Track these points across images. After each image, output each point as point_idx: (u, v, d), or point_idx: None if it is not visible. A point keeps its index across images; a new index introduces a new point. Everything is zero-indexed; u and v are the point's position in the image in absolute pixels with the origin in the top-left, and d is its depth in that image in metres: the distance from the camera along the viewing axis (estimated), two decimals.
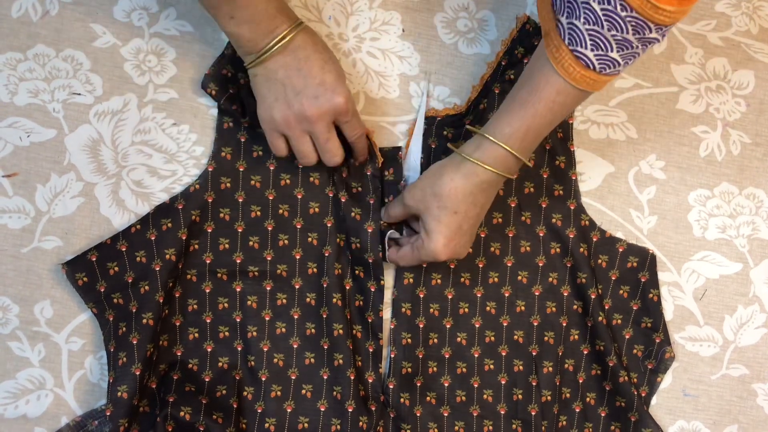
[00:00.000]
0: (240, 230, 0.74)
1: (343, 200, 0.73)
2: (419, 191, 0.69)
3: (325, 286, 0.73)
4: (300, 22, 0.67)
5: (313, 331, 0.74)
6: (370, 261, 0.74)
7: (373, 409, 0.73)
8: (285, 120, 0.67)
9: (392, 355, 0.74)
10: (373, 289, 0.74)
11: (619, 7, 0.57)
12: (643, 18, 0.57)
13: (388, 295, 0.75)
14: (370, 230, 0.74)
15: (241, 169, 0.74)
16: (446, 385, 0.75)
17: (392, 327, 0.75)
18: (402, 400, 0.74)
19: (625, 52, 0.60)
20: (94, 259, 0.71)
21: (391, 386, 0.74)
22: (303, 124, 0.67)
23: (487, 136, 0.66)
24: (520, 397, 0.76)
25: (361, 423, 0.72)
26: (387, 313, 0.75)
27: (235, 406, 0.72)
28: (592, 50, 0.60)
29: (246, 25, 0.64)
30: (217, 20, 0.65)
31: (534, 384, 0.76)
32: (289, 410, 0.73)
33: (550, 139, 0.77)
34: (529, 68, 0.65)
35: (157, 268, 0.70)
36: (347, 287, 0.74)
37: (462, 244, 0.69)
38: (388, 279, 0.75)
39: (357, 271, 0.74)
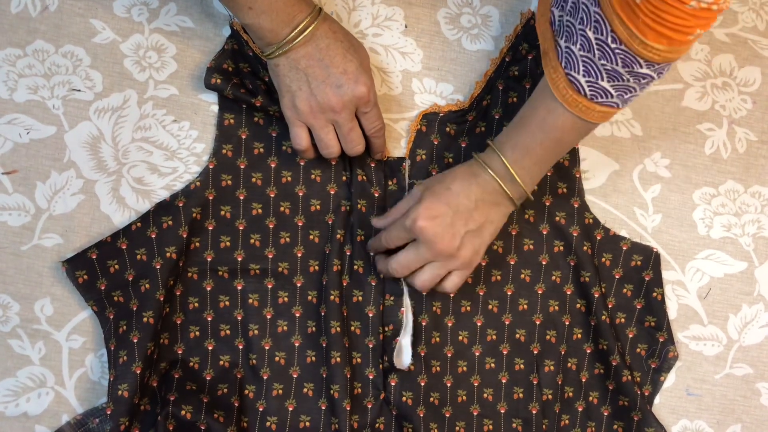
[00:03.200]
0: (241, 228, 0.73)
1: (353, 190, 0.74)
2: (427, 180, 0.70)
3: (324, 283, 0.73)
4: (319, 9, 0.66)
5: (314, 329, 0.74)
6: (371, 254, 0.73)
7: (369, 407, 0.73)
8: (309, 109, 0.67)
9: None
10: (373, 284, 0.73)
11: (610, 39, 0.57)
12: (631, 53, 0.57)
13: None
14: (373, 222, 0.74)
15: (242, 167, 0.73)
16: (449, 385, 0.75)
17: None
18: (404, 398, 0.73)
19: (617, 83, 0.60)
20: (94, 257, 0.70)
21: (393, 383, 0.73)
22: (327, 114, 0.67)
23: (489, 143, 0.68)
24: (520, 395, 0.76)
25: (353, 422, 0.72)
26: (407, 299, 0.74)
27: (236, 404, 0.71)
28: (584, 76, 0.61)
29: (265, 15, 0.64)
30: (235, 12, 0.65)
31: (535, 383, 0.76)
32: (290, 409, 0.73)
33: None
34: (535, 89, 0.66)
35: (158, 266, 0.70)
36: (344, 283, 0.73)
37: (445, 226, 0.66)
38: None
39: (356, 267, 0.74)
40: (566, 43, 0.61)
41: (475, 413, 0.75)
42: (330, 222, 0.74)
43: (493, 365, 0.76)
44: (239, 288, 0.73)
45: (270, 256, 0.74)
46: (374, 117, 0.70)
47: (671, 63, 0.59)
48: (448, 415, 0.75)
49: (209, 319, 0.73)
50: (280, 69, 0.67)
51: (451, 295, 0.73)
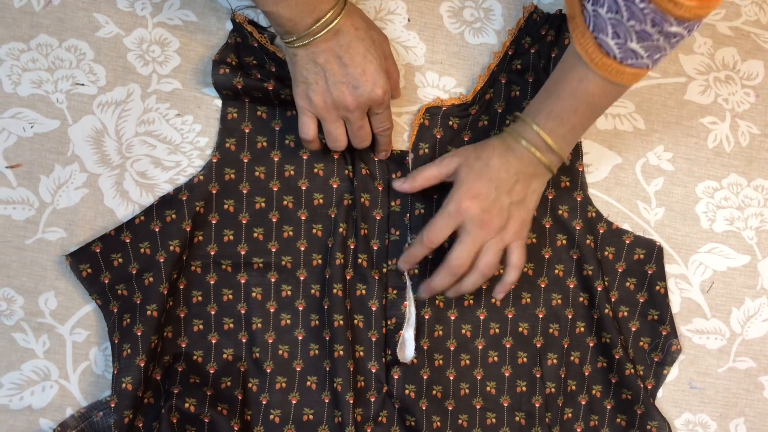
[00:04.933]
0: (244, 222, 0.73)
1: (356, 184, 0.73)
2: (462, 150, 0.70)
3: (327, 276, 0.73)
4: (344, 1, 0.65)
5: (317, 322, 0.74)
6: (375, 248, 0.74)
7: (372, 400, 0.73)
8: (323, 104, 0.67)
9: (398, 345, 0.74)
10: (376, 278, 0.73)
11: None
12: (660, 11, 0.56)
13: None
14: (378, 218, 0.74)
15: (245, 161, 0.73)
16: (451, 378, 0.75)
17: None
18: (407, 392, 0.74)
19: (646, 44, 0.59)
20: (98, 251, 0.70)
21: (396, 377, 0.73)
22: (340, 111, 0.67)
23: (518, 115, 0.68)
24: (523, 389, 0.76)
25: (356, 415, 0.72)
26: (410, 292, 0.75)
27: (240, 397, 0.72)
28: (613, 38, 0.60)
29: (285, 4, 0.62)
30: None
31: (538, 376, 0.76)
32: (293, 402, 0.73)
33: None
34: (564, 55, 0.66)
35: (162, 260, 0.70)
36: (348, 277, 0.73)
37: (490, 202, 0.66)
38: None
39: (360, 260, 0.74)
40: (593, 6, 0.60)
41: (478, 406, 0.75)
42: (333, 216, 0.74)
43: (496, 358, 0.76)
44: (242, 281, 0.73)
45: (273, 250, 0.74)
46: (385, 118, 0.70)
47: (702, 19, 0.58)
48: (450, 408, 0.75)
49: (213, 312, 0.73)
50: (298, 59, 0.66)
51: (519, 270, 0.70)
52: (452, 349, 0.75)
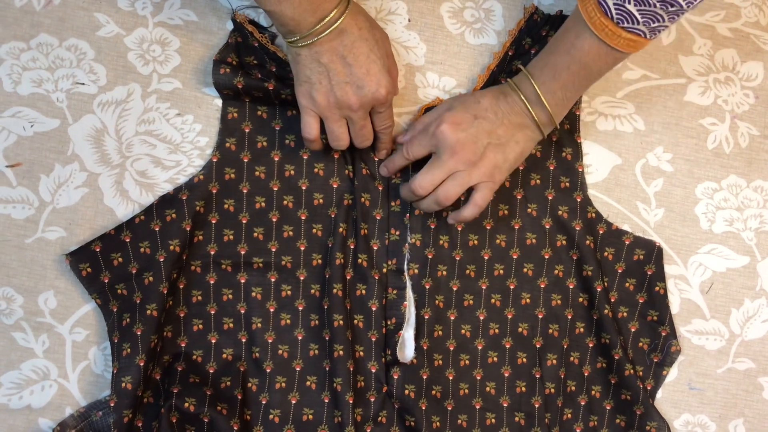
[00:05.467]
0: (244, 221, 0.73)
1: (356, 183, 0.74)
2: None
3: (327, 276, 0.73)
4: (347, 1, 0.65)
5: (317, 322, 0.74)
6: (375, 248, 0.74)
7: (372, 400, 0.73)
8: (326, 103, 0.67)
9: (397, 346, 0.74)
10: (376, 278, 0.73)
11: None
12: None
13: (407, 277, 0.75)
14: (378, 218, 0.74)
15: (245, 160, 0.73)
16: (451, 378, 0.75)
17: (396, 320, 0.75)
18: (407, 392, 0.74)
19: (643, 8, 0.59)
20: (97, 250, 0.70)
21: (396, 377, 0.73)
22: (343, 110, 0.67)
23: (520, 66, 0.69)
24: (523, 389, 0.76)
25: (356, 415, 0.72)
26: (410, 292, 0.75)
27: (239, 397, 0.72)
28: None
29: (287, 3, 0.62)
30: None
31: (537, 376, 0.76)
32: (293, 402, 0.73)
33: (557, 131, 0.76)
34: (571, 14, 0.66)
35: (161, 259, 0.70)
36: (348, 277, 0.73)
37: (467, 133, 0.67)
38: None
39: (360, 260, 0.74)
40: None
41: (477, 407, 0.75)
42: (333, 215, 0.74)
43: (495, 359, 0.76)
44: (242, 281, 0.73)
45: (273, 250, 0.74)
46: (387, 116, 0.70)
47: None
48: (450, 409, 0.75)
49: (212, 312, 0.73)
50: (301, 58, 0.65)
51: (480, 209, 0.70)
52: (452, 349, 0.75)
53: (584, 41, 0.64)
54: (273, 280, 0.74)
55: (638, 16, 0.60)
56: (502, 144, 0.68)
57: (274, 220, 0.74)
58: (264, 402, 0.73)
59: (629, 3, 0.60)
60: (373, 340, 0.73)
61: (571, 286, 0.77)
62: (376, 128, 0.71)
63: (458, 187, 0.68)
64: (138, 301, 0.70)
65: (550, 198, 0.76)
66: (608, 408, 0.77)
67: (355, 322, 0.74)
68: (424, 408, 0.74)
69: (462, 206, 0.70)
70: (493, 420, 0.75)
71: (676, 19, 0.61)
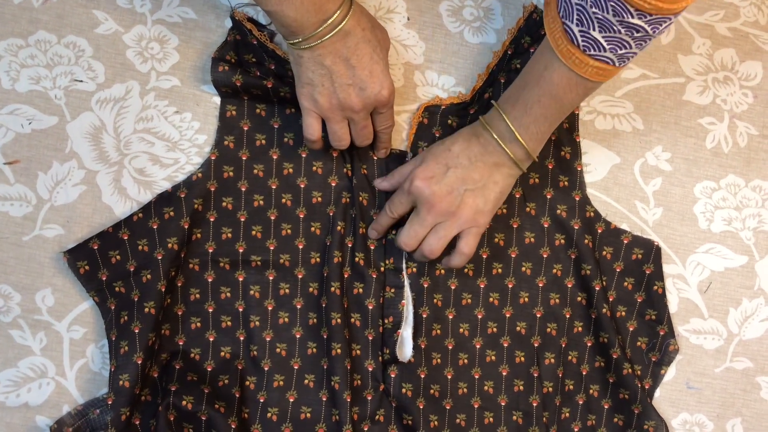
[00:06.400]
0: (242, 219, 0.73)
1: (355, 182, 0.74)
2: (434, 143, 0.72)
3: (325, 275, 0.73)
4: (350, 1, 0.64)
5: (315, 320, 0.74)
6: (372, 247, 0.74)
7: (369, 398, 0.73)
8: (329, 105, 0.66)
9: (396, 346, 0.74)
10: (374, 276, 0.73)
11: None
12: (621, 1, 0.55)
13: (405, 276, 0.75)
14: (375, 217, 0.74)
15: (243, 158, 0.73)
16: (449, 377, 0.75)
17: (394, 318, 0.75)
18: (404, 390, 0.74)
19: (608, 35, 0.58)
20: (95, 248, 0.70)
21: (393, 375, 0.73)
22: (345, 112, 0.67)
23: (493, 103, 0.68)
24: (521, 388, 0.76)
25: (353, 413, 0.72)
26: (408, 290, 0.75)
27: (237, 395, 0.71)
28: (577, 25, 0.59)
29: (289, 3, 0.61)
30: None
31: (535, 375, 0.76)
32: (291, 400, 0.73)
33: (556, 130, 0.76)
34: (541, 44, 0.66)
35: (159, 257, 0.70)
36: (345, 275, 0.73)
37: (441, 185, 0.67)
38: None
39: (357, 259, 0.74)
40: None
41: (475, 406, 0.75)
42: (331, 214, 0.74)
43: (493, 358, 0.76)
44: (240, 279, 0.73)
45: (271, 248, 0.74)
46: (388, 117, 0.70)
47: (668, 18, 0.57)
48: (448, 407, 0.75)
49: (210, 310, 0.73)
50: (303, 60, 0.65)
51: (467, 257, 0.71)
52: (450, 348, 0.75)
53: (553, 72, 0.63)
54: (271, 278, 0.74)
55: (604, 43, 0.59)
56: (480, 188, 0.68)
57: (273, 218, 0.74)
58: (262, 400, 0.73)
59: (594, 30, 0.59)
60: (370, 338, 0.73)
61: (569, 285, 0.77)
62: (376, 128, 0.71)
63: (441, 240, 0.68)
64: (136, 299, 0.70)
65: (548, 197, 0.76)
66: (606, 407, 0.77)
67: (353, 320, 0.73)
68: (421, 407, 0.74)
69: (451, 253, 0.70)
70: (491, 419, 0.75)
71: (643, 45, 0.60)
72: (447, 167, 0.67)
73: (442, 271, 0.75)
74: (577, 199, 0.77)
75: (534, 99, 0.65)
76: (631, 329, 0.77)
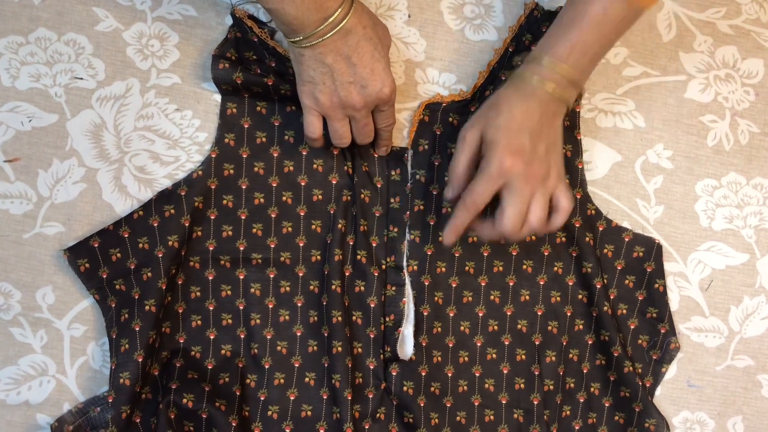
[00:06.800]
0: (243, 217, 0.73)
1: (356, 180, 0.73)
2: (475, 117, 0.65)
3: (326, 273, 0.73)
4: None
5: (315, 318, 0.74)
6: (374, 245, 0.73)
7: (371, 396, 0.73)
8: (330, 103, 0.66)
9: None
10: (375, 274, 0.73)
11: None
12: None
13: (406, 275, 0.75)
14: (377, 214, 0.74)
15: (244, 156, 0.73)
16: (450, 375, 0.75)
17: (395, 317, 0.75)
18: (405, 388, 0.73)
19: None
20: (96, 245, 0.70)
21: (394, 373, 0.73)
22: (346, 110, 0.67)
23: (532, 55, 0.65)
24: (521, 386, 0.76)
25: (354, 411, 0.72)
26: (409, 289, 0.75)
27: (238, 393, 0.71)
28: None
29: (290, 1, 0.60)
30: None
31: (536, 373, 0.76)
32: (292, 398, 0.73)
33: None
34: None
35: (160, 255, 0.70)
36: (346, 273, 0.73)
37: (530, 154, 0.62)
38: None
39: (359, 257, 0.74)
40: None
41: (476, 403, 0.75)
42: (332, 212, 0.74)
43: (494, 356, 0.76)
44: (241, 277, 0.73)
45: (272, 246, 0.74)
46: (389, 115, 0.70)
47: None
48: (449, 405, 0.75)
49: (211, 308, 0.73)
50: (304, 59, 0.64)
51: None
52: (451, 345, 0.75)
53: (613, 12, 0.62)
54: (272, 276, 0.73)
55: None
56: (554, 141, 0.65)
57: (273, 216, 0.74)
58: (263, 398, 0.73)
59: None
60: (372, 336, 0.73)
61: (570, 283, 0.77)
62: (377, 126, 0.70)
63: (546, 208, 0.64)
64: (136, 297, 0.70)
65: None
66: (607, 405, 0.77)
67: (354, 318, 0.73)
68: (422, 405, 0.74)
69: (550, 217, 0.66)
70: (492, 417, 0.75)
71: None
72: (523, 134, 0.63)
73: (443, 269, 0.75)
74: (578, 197, 0.77)
75: (594, 40, 0.63)
76: (632, 327, 0.77)
